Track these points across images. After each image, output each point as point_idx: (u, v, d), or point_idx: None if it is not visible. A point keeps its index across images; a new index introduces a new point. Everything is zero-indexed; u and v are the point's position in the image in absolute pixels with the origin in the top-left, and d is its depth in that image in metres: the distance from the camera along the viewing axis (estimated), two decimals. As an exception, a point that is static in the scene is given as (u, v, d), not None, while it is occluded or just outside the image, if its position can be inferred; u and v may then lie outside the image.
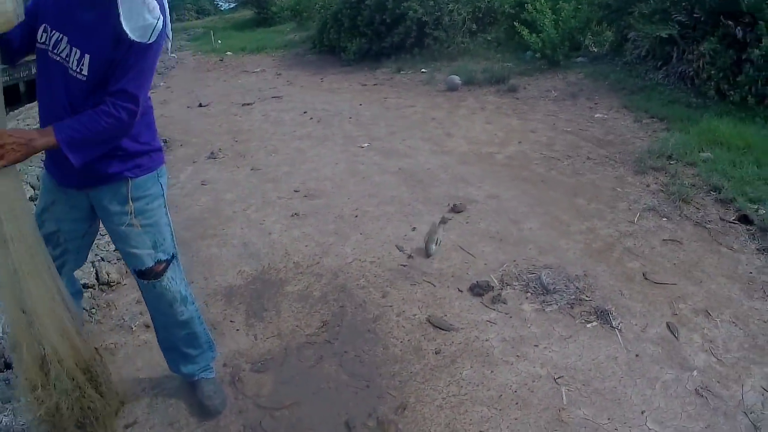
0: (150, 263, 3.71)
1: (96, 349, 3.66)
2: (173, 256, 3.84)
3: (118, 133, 3.23)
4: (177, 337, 4.11)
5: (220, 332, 5.04)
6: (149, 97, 3.51)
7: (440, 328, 4.80)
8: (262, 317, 5.14)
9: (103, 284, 5.95)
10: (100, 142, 3.21)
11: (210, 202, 7.85)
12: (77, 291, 4.10)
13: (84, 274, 5.91)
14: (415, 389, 4.17)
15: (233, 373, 4.51)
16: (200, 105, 14.94)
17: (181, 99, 16.29)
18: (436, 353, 4.51)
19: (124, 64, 3.10)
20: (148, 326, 5.16)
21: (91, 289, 5.86)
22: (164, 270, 3.78)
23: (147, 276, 3.77)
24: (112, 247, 6.50)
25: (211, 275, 5.91)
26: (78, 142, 3.10)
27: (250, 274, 5.86)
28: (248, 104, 14.43)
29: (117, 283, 5.97)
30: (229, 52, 25.77)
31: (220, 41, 29.86)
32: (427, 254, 5.90)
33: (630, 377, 4.22)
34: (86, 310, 5.46)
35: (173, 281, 3.86)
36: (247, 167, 9.27)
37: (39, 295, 3.19)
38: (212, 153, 10.13)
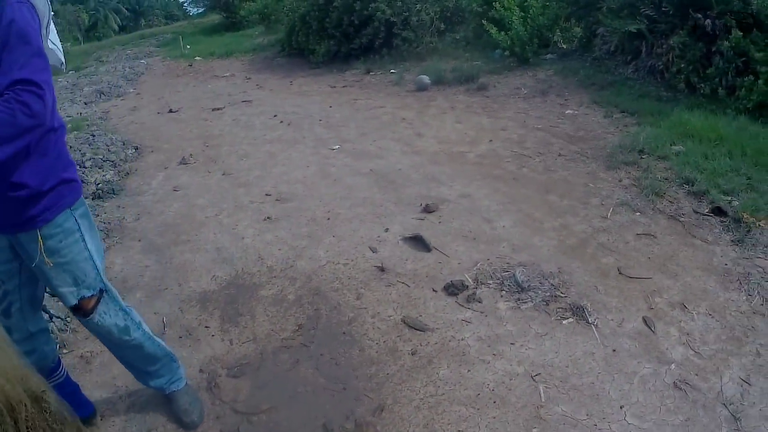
0: (73, 301, 3.57)
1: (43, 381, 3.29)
2: (101, 291, 3.69)
3: (28, 120, 2.91)
4: (131, 358, 4.09)
5: (196, 338, 5.04)
6: (56, 119, 3.36)
7: (416, 329, 4.79)
8: (237, 322, 5.13)
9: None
10: (9, 135, 2.91)
11: (182, 208, 7.84)
12: (41, 329, 3.91)
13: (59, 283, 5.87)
14: (392, 390, 4.17)
15: (209, 378, 4.50)
16: (170, 111, 14.87)
17: (151, 105, 16.22)
18: (412, 354, 4.51)
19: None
20: None
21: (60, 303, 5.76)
22: (94, 306, 3.66)
23: (77, 313, 3.67)
24: None
25: (185, 281, 5.89)
26: None
27: (224, 279, 5.86)
28: (218, 109, 14.40)
29: None
30: (198, 57, 25.69)
31: (189, 46, 29.76)
32: None
33: (608, 372, 4.23)
34: (61, 319, 5.47)
35: (105, 316, 3.75)
36: (218, 172, 9.26)
37: None
38: (183, 159, 10.11)
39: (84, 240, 3.56)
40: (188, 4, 75.96)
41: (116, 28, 76.04)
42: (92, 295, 3.62)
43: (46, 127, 3.14)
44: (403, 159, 9.04)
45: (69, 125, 13.66)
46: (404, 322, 4.89)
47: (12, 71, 2.89)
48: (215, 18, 42.63)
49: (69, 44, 56.29)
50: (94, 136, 12.39)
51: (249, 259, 6.18)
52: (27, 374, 3.20)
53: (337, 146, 9.96)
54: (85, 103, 18.13)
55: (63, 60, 3.45)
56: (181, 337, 5.04)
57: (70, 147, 11.40)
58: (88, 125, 13.87)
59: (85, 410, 4.27)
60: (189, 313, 5.36)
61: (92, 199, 8.61)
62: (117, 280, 6.08)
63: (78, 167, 9.89)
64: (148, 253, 6.61)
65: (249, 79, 19.20)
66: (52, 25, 3.30)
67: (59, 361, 4.12)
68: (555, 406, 3.94)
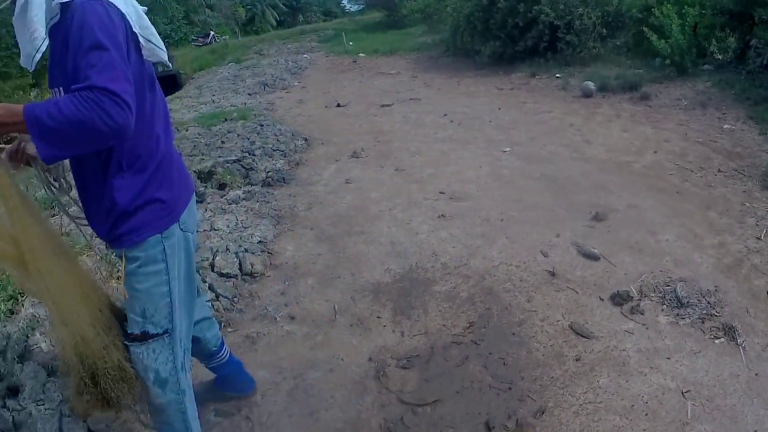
0: (135, 331, 3.26)
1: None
2: (166, 332, 3.32)
3: (106, 128, 2.54)
4: (153, 418, 3.69)
5: (366, 327, 5.12)
6: (160, 130, 3.13)
7: (581, 335, 4.80)
8: (409, 315, 5.19)
9: (246, 275, 6.15)
10: (77, 135, 2.59)
11: (355, 200, 7.93)
12: (203, 318, 3.92)
13: (227, 264, 6.13)
14: (555, 394, 4.19)
15: (378, 367, 4.58)
16: (338, 105, 15.03)
17: (318, 99, 16.45)
18: (576, 360, 4.52)
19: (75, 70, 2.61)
20: (293, 318, 5.41)
21: (233, 279, 6.04)
22: (152, 339, 3.29)
23: (127, 338, 3.32)
24: (256, 239, 6.74)
25: (359, 271, 5.99)
26: (48, 127, 2.56)
27: (397, 272, 5.92)
28: (387, 105, 14.44)
29: (261, 275, 6.13)
30: (362, 54, 25.83)
31: (351, 43, 29.98)
32: None
33: (748, 396, 4.17)
34: (227, 299, 5.66)
35: (152, 355, 3.32)
36: (390, 167, 9.32)
37: (57, 283, 3.10)
38: (355, 152, 10.21)
39: (167, 273, 3.20)
40: (348, 1, 76.67)
41: (273, 23, 77.19)
42: (155, 333, 3.29)
43: (125, 139, 2.82)
44: (572, 165, 8.98)
45: (234, 114, 13.96)
46: (571, 328, 4.90)
47: (88, 77, 2.54)
48: (376, 15, 42.79)
49: (227, 37, 57.82)
50: (261, 125, 12.65)
51: (423, 254, 6.22)
52: (102, 335, 3.30)
53: (508, 149, 9.92)
54: (249, 94, 18.51)
55: (165, 59, 3.14)
56: (352, 325, 5.13)
57: (238, 135, 11.73)
58: (255, 115, 14.14)
59: (246, 387, 4.42)
60: (361, 302, 5.45)
61: (261, 186, 8.83)
62: (288, 266, 6.27)
63: (247, 155, 10.22)
64: (320, 242, 6.73)
65: (415, 77, 19.22)
66: (145, 21, 2.96)
67: (222, 344, 4.14)
68: (699, 425, 3.92)
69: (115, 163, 2.96)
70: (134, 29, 2.82)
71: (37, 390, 4.34)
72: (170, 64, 3.32)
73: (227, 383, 4.41)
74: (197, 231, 3.68)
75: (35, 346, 4.97)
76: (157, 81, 3.21)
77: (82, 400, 3.33)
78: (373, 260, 6.19)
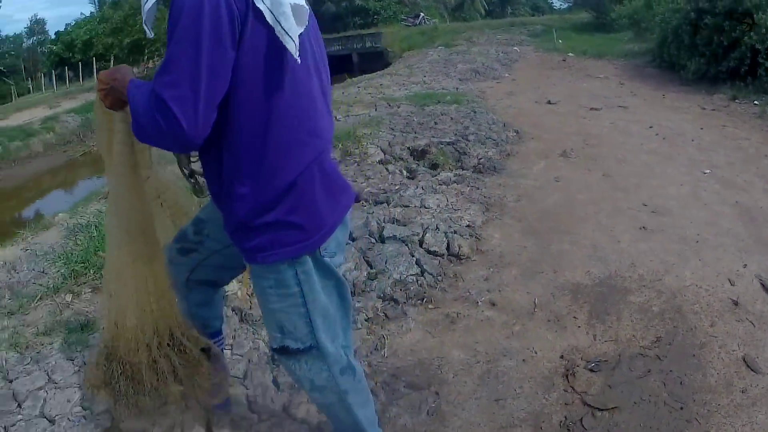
0: (274, 345, 3.06)
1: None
2: (311, 348, 2.98)
3: (158, 134, 2.41)
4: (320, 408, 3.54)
5: (562, 325, 5.10)
6: (313, 158, 2.73)
7: (751, 369, 4.68)
8: (603, 320, 5.18)
9: (452, 255, 6.22)
10: (139, 128, 2.50)
11: (562, 199, 7.94)
12: (206, 301, 3.55)
13: (436, 243, 6.28)
14: (717, 422, 4.12)
15: (568, 366, 4.56)
16: (548, 102, 14.96)
17: (528, 93, 16.40)
18: (742, 392, 4.42)
19: None
20: (494, 304, 5.40)
21: (440, 258, 6.14)
22: (299, 352, 3.00)
23: (280, 349, 3.07)
24: (464, 222, 6.87)
25: (560, 269, 6.01)
26: (132, 108, 2.51)
27: (597, 277, 5.89)
28: (595, 109, 14.25)
29: (467, 258, 6.21)
30: (570, 54, 25.51)
31: (561, 41, 29.72)
32: None
33: None
34: (433, 276, 5.79)
35: (305, 367, 3.06)
36: (598, 172, 9.23)
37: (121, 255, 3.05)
38: (564, 152, 10.18)
39: (303, 297, 2.86)
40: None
41: (482, 12, 77.07)
42: (297, 348, 2.99)
43: (189, 150, 2.75)
44: (765, 198, 8.61)
45: (448, 98, 14.18)
46: (743, 360, 4.78)
47: (155, 77, 2.39)
48: (583, 16, 42.24)
49: (436, 20, 58.34)
50: (474, 112, 12.79)
51: (623, 263, 6.17)
52: (177, 316, 3.24)
53: (708, 170, 9.62)
54: (460, 80, 18.72)
55: (292, 48, 2.47)
56: (549, 321, 5.17)
57: (451, 118, 11.91)
58: (467, 101, 14.23)
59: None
60: (560, 300, 5.48)
61: (472, 171, 8.98)
62: (494, 253, 6.35)
63: (460, 139, 10.36)
64: (527, 235, 6.80)
65: (622, 84, 18.81)
66: (283, 8, 2.44)
67: (219, 331, 3.84)
68: None
69: (233, 167, 2.66)
70: (257, 5, 2.40)
71: (228, 334, 4.62)
72: (297, 58, 2.48)
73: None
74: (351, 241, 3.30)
75: (230, 293, 5.28)
76: (309, 81, 2.76)
77: (98, 373, 3.27)
78: (575, 261, 6.18)
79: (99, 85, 2.76)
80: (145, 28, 2.71)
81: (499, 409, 4.16)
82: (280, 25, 2.42)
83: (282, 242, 2.71)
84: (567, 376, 4.46)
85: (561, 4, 63.67)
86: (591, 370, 4.53)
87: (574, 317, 5.22)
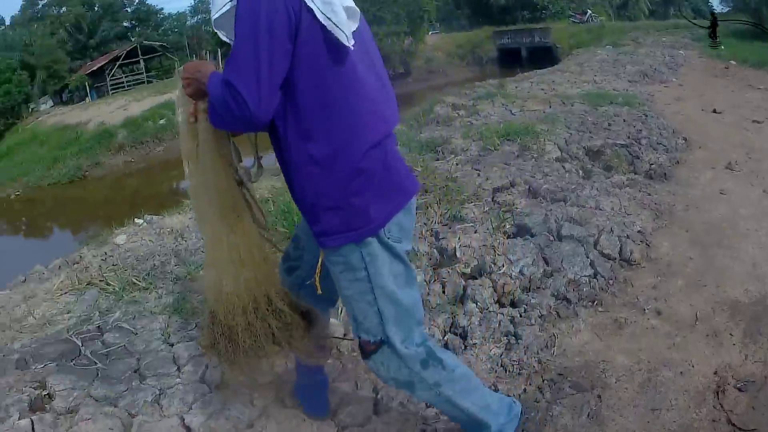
0: (355, 332, 3.27)
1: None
2: (383, 342, 3.15)
3: (230, 116, 2.71)
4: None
5: (719, 341, 5.03)
6: (376, 147, 2.95)
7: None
8: (756, 340, 5.12)
9: (623, 260, 6.28)
10: (220, 114, 2.80)
11: (727, 213, 7.78)
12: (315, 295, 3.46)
13: (609, 245, 6.39)
14: None
15: (719, 383, 4.53)
16: (714, 111, 14.56)
17: (693, 99, 16.00)
18: None
19: None
20: (659, 313, 5.44)
21: (612, 261, 6.24)
22: (373, 352, 3.19)
23: (359, 348, 3.31)
24: (636, 228, 7.00)
25: (722, 284, 5.94)
26: (210, 93, 2.84)
27: (754, 295, 5.78)
28: (757, 122, 13.64)
29: (637, 264, 6.27)
30: (732, 61, 24.49)
31: (723, 47, 28.90)
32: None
33: None
34: (605, 279, 5.89)
35: (382, 367, 3.24)
36: (759, 187, 8.94)
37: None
38: (729, 163, 9.95)
39: (370, 282, 3.01)
40: (718, 3, 72.63)
41: (645, 11, 75.16)
42: (368, 340, 3.18)
43: (257, 128, 2.90)
44: None
45: (619, 99, 14.03)
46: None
47: (225, 66, 2.71)
48: (741, 21, 40.65)
49: (603, 18, 57.18)
50: (646, 116, 12.68)
51: (782, 284, 6.07)
52: (275, 284, 3.42)
53: None
54: (629, 81, 18.36)
55: (345, 40, 2.72)
56: (707, 336, 5.16)
57: (624, 120, 11.90)
58: (639, 104, 14.07)
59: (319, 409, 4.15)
60: (719, 315, 5.46)
61: (643, 177, 9.06)
62: (662, 262, 6.38)
63: (634, 142, 10.43)
64: (693, 246, 6.76)
65: (782, 98, 17.90)
66: (332, 6, 2.69)
67: None
68: None
69: (302, 150, 2.89)
70: (309, 3, 2.67)
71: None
72: (349, 46, 2.74)
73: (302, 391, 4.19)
74: (412, 237, 3.37)
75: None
76: (368, 74, 3.01)
77: (206, 334, 3.52)
78: (736, 277, 6.11)
79: (184, 74, 3.06)
80: (219, 33, 3.05)
81: (654, 418, 4.25)
82: (330, 20, 2.68)
83: (344, 226, 2.91)
84: (717, 393, 4.49)
85: (722, 8, 60.98)
86: (739, 390, 4.54)
87: (731, 334, 5.21)
